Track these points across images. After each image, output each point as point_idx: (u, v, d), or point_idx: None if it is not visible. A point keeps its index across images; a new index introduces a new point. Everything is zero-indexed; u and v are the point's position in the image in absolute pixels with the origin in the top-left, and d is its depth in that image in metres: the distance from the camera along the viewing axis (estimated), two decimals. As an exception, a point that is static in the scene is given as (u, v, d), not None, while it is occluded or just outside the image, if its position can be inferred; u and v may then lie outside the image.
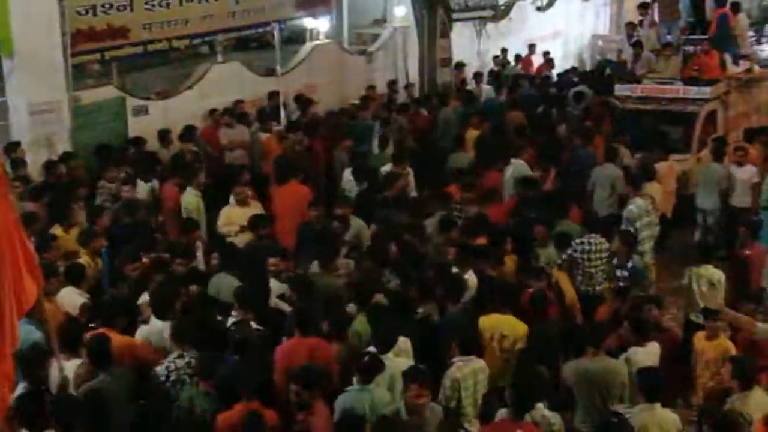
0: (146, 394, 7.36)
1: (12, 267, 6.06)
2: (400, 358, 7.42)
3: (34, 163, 12.65)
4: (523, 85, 18.72)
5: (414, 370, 6.91)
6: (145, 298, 8.44)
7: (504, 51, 21.40)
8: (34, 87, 13.15)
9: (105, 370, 7.02)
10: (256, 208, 11.15)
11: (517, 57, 21.22)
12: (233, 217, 10.83)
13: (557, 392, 7.59)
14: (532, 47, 21.92)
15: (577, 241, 9.76)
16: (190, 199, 11.42)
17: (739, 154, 12.74)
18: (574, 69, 21.64)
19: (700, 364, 8.25)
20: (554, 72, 20.88)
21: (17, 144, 12.62)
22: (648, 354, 7.76)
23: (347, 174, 12.68)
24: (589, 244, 9.73)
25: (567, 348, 7.87)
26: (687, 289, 9.63)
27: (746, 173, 12.48)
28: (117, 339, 7.40)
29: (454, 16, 19.79)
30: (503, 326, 8.18)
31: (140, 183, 11.85)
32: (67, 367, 7.06)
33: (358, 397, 6.87)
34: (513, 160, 12.40)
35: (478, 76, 19.60)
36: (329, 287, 8.85)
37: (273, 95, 15.96)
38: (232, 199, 11.34)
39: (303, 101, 16.34)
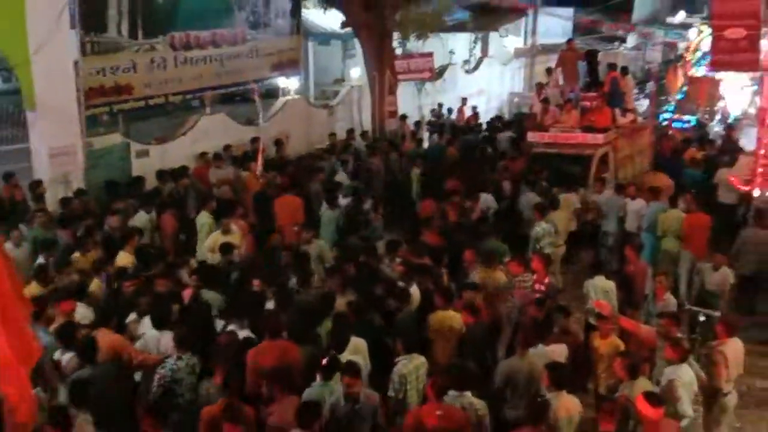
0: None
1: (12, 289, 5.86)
2: (356, 357, 7.31)
3: (54, 198, 12.46)
4: (460, 131, 18.99)
5: (347, 365, 6.81)
6: (132, 317, 8.28)
7: (440, 105, 21.67)
8: (53, 134, 13.02)
9: (91, 362, 7.02)
10: (235, 237, 10.82)
11: (450, 110, 21.43)
12: (218, 242, 10.62)
13: (486, 384, 7.54)
14: (464, 100, 22.17)
15: (519, 278, 9.51)
16: (204, 220, 11.51)
17: (631, 190, 12.97)
18: (498, 117, 21.94)
19: (597, 358, 8.26)
20: (481, 121, 21.15)
21: (39, 182, 12.44)
22: (553, 352, 7.72)
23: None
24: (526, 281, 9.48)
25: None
26: (585, 297, 9.64)
27: (636, 205, 12.68)
28: (108, 337, 7.44)
29: (399, 77, 19.87)
30: (450, 320, 8.29)
31: (142, 213, 11.66)
32: (63, 360, 7.19)
33: (320, 391, 6.80)
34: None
35: (418, 124, 19.88)
36: (306, 300, 8.80)
37: (253, 141, 15.75)
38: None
39: (278, 145, 16.38)
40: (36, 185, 12.30)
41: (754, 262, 11.10)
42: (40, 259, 9.78)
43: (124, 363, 7.39)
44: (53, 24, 12.59)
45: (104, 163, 13.79)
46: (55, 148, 12.96)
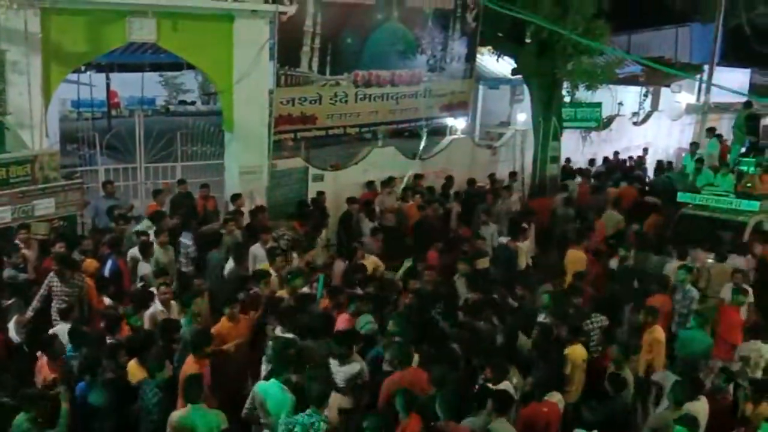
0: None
1: None
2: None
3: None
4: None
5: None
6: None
7: (616, 153, 21.71)
8: (245, 154, 14.09)
9: None
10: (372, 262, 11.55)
11: (630, 157, 21.29)
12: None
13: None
14: (645, 150, 22.20)
15: None
16: None
17: None
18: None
19: (746, 422, 7.96)
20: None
21: (239, 195, 13.33)
22: (694, 407, 7.62)
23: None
24: None
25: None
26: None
27: None
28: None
29: (565, 124, 19.78)
30: (583, 353, 8.79)
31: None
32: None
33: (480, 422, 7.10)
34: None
35: (579, 170, 19.90)
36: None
37: (417, 177, 16.47)
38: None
39: (447, 179, 16.95)
40: (235, 198, 13.29)
41: None
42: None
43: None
44: (255, 57, 13.80)
45: (284, 184, 14.75)
46: (245, 166, 14.07)
